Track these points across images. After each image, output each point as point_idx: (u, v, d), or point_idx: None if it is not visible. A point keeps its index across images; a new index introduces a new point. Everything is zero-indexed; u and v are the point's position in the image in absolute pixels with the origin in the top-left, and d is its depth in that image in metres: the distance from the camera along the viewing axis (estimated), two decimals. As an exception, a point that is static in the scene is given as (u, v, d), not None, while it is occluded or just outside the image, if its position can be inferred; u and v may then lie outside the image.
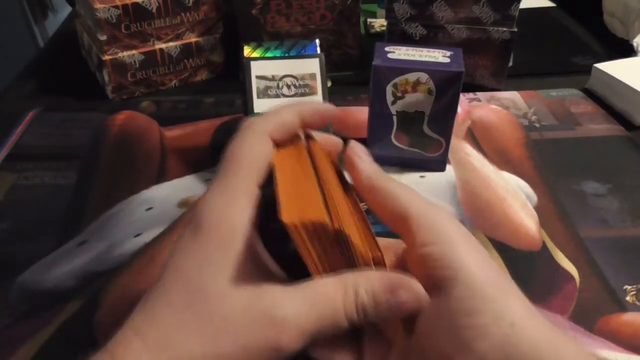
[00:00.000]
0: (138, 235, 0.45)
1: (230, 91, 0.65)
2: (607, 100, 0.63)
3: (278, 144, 0.29)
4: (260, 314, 0.24)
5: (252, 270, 0.25)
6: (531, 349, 0.23)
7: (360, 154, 0.30)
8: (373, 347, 0.28)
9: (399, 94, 0.48)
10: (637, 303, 0.40)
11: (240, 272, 0.24)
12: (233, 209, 0.26)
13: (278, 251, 0.28)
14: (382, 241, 0.28)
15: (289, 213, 0.24)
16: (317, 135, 0.32)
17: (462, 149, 0.55)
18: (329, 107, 0.31)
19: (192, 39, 0.66)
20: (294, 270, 0.27)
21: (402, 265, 0.29)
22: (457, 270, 0.25)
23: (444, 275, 0.25)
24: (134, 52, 0.63)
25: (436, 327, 0.25)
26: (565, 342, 0.24)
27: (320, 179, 0.28)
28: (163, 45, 0.64)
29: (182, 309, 0.24)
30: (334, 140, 0.33)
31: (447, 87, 0.47)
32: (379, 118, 0.49)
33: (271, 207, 0.26)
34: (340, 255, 0.25)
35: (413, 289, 0.25)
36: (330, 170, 0.30)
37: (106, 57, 0.61)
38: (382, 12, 0.77)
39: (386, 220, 0.28)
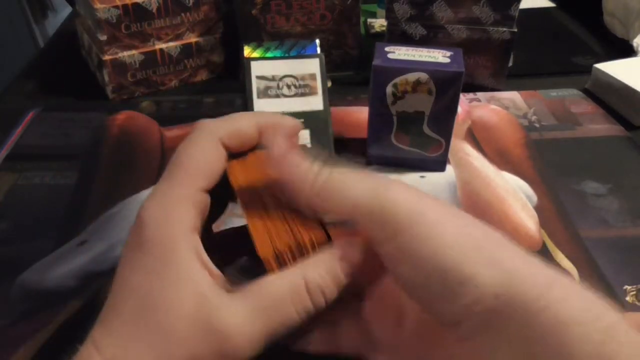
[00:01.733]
0: (138, 235, 0.45)
1: (230, 91, 0.65)
2: (607, 100, 0.63)
3: (232, 154, 0.28)
4: (204, 325, 0.23)
5: (196, 278, 0.24)
6: (524, 318, 0.21)
7: (277, 161, 0.27)
8: (381, 312, 0.28)
9: (399, 94, 0.48)
10: (637, 303, 0.40)
11: (183, 281, 0.24)
12: (173, 217, 0.25)
13: (222, 256, 0.28)
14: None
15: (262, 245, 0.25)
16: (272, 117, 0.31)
17: (462, 149, 0.55)
18: (292, 120, 0.30)
19: (192, 39, 0.66)
20: (241, 275, 0.27)
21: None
22: (423, 260, 0.23)
23: (411, 270, 0.23)
24: (134, 52, 0.63)
25: (433, 312, 0.24)
26: (573, 299, 0.22)
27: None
28: (163, 45, 0.64)
29: (133, 321, 0.24)
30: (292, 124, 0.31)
31: (447, 87, 0.47)
32: (379, 118, 0.49)
33: (216, 211, 0.27)
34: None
35: (354, 242, 0.25)
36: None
37: (106, 57, 0.61)
38: (382, 12, 0.77)
39: (346, 218, 0.26)
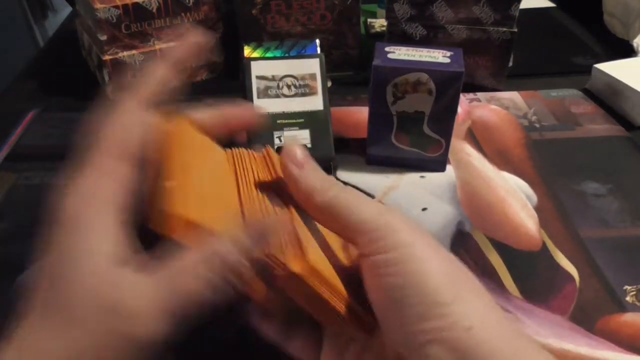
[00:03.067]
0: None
1: (230, 91, 0.64)
2: (607, 101, 0.63)
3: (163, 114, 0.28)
4: (110, 308, 0.22)
5: (95, 254, 0.23)
6: (490, 353, 0.23)
7: (296, 161, 0.27)
8: (332, 340, 0.28)
9: (399, 94, 0.48)
10: (637, 303, 0.40)
11: (95, 264, 0.23)
12: (89, 196, 0.24)
13: (149, 237, 0.26)
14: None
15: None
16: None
17: (462, 149, 0.55)
18: (194, 33, 0.29)
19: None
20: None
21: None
22: (412, 276, 0.24)
23: (396, 283, 0.24)
24: (134, 52, 0.63)
25: (392, 329, 0.25)
26: (528, 347, 0.24)
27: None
28: (163, 45, 0.64)
29: (48, 312, 0.23)
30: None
31: (447, 87, 0.47)
32: (379, 118, 0.49)
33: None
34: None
35: (272, 218, 0.25)
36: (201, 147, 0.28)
37: (106, 57, 0.61)
38: (382, 12, 0.77)
39: (337, 233, 0.27)
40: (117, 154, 0.25)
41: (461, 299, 0.24)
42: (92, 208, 0.24)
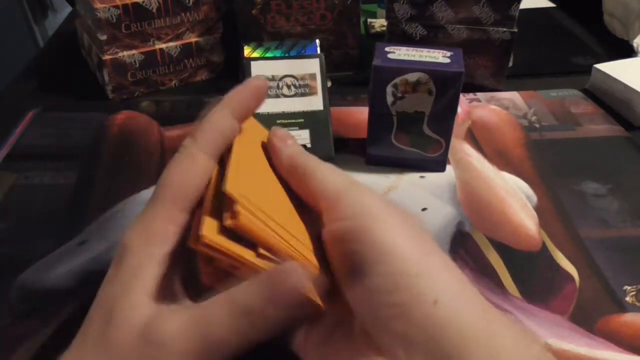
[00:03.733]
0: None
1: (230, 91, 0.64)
2: (607, 101, 0.63)
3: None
4: (147, 338, 0.23)
5: (160, 299, 0.25)
6: (459, 330, 0.22)
7: (283, 138, 0.29)
8: (316, 325, 0.28)
9: (399, 94, 0.48)
10: (637, 303, 0.40)
11: (143, 299, 0.24)
12: (148, 238, 0.25)
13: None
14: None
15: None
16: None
17: (462, 149, 0.55)
18: (255, 82, 0.30)
19: (192, 39, 0.66)
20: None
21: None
22: (375, 245, 0.23)
23: (362, 252, 0.24)
24: (134, 52, 0.63)
25: (356, 303, 0.24)
26: (500, 322, 0.23)
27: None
28: (163, 45, 0.64)
29: (94, 337, 0.24)
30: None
31: (447, 87, 0.47)
32: (379, 118, 0.49)
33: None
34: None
35: (295, 270, 0.24)
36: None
37: (106, 57, 0.61)
38: (382, 12, 0.78)
39: (307, 199, 0.28)
40: (181, 204, 0.26)
41: (428, 271, 0.23)
42: (144, 246, 0.25)
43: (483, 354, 0.22)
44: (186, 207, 0.26)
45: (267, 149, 0.30)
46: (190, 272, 0.27)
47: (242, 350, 0.24)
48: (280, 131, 0.30)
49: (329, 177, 0.27)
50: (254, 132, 0.31)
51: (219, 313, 0.24)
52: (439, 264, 0.24)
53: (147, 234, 0.25)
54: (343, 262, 0.25)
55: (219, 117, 0.28)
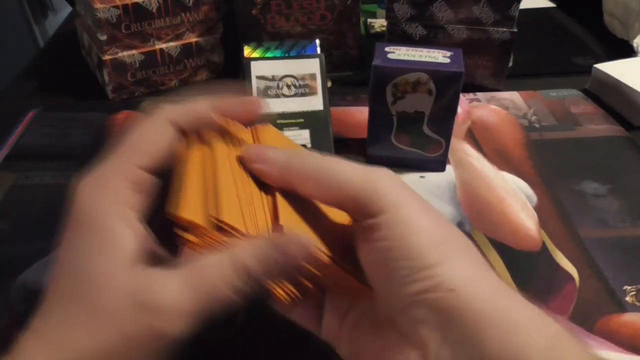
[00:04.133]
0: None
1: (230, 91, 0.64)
2: (607, 101, 0.63)
3: (187, 136, 0.28)
4: (135, 299, 0.23)
5: (126, 250, 0.24)
6: (475, 314, 0.23)
7: (257, 159, 0.28)
8: (332, 308, 0.28)
9: (399, 94, 0.48)
10: (637, 303, 0.40)
11: (121, 260, 0.24)
12: (104, 191, 0.25)
13: (168, 235, 0.27)
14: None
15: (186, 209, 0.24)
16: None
17: (462, 149, 0.55)
18: (252, 99, 0.30)
19: (192, 39, 0.65)
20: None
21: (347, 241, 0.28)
22: (396, 239, 0.24)
23: (384, 246, 0.24)
24: (134, 52, 0.63)
25: (382, 292, 0.25)
26: (520, 305, 0.23)
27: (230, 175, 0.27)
28: (163, 45, 0.64)
29: (70, 303, 0.23)
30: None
31: (447, 87, 0.47)
32: (379, 118, 0.49)
33: (161, 194, 0.26)
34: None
35: (298, 239, 0.25)
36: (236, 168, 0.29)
37: (106, 57, 0.61)
38: (382, 12, 0.77)
39: (322, 199, 0.28)
40: (140, 162, 0.26)
41: (448, 259, 0.24)
42: (113, 207, 0.25)
43: (499, 334, 0.22)
44: (146, 165, 0.26)
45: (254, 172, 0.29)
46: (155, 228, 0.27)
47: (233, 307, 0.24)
48: (251, 153, 0.28)
49: (346, 172, 0.26)
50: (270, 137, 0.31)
51: (221, 274, 0.24)
52: (459, 250, 0.25)
53: (105, 191, 0.25)
54: (369, 255, 0.26)
55: (199, 101, 0.29)
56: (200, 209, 0.25)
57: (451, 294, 0.23)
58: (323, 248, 0.26)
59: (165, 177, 0.27)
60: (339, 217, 0.28)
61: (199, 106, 0.29)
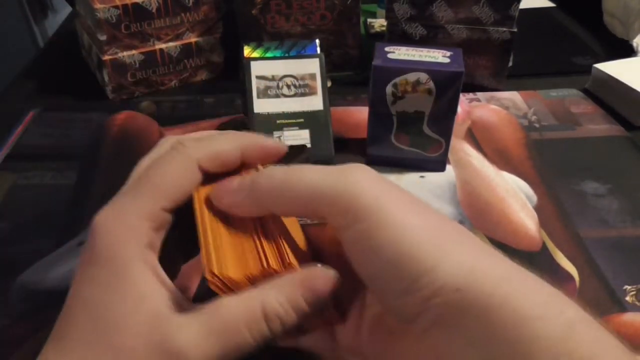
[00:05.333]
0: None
1: (230, 91, 0.64)
2: (607, 100, 0.63)
3: (208, 176, 0.27)
4: (159, 345, 0.23)
5: (152, 296, 0.24)
6: (485, 313, 0.21)
7: (225, 192, 0.26)
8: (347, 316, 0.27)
9: (399, 94, 0.48)
10: (637, 303, 0.40)
11: (138, 298, 0.23)
12: (129, 231, 0.24)
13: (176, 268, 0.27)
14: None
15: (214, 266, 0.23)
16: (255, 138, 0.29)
17: (462, 149, 0.55)
18: (277, 143, 0.29)
19: (192, 39, 0.65)
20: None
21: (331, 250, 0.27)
22: (383, 248, 0.22)
23: (374, 257, 0.23)
24: (134, 52, 0.63)
25: (390, 306, 0.24)
26: (530, 294, 0.21)
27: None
28: (163, 45, 0.64)
29: (86, 338, 0.23)
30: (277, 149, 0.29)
31: (447, 87, 0.47)
32: (379, 118, 0.49)
33: (183, 237, 0.26)
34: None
35: (325, 273, 0.24)
36: None
37: (106, 57, 0.61)
38: (382, 12, 0.77)
39: (300, 214, 0.26)
40: (164, 203, 0.25)
41: (445, 256, 0.22)
42: (136, 249, 0.24)
43: (507, 329, 0.21)
44: (167, 207, 0.25)
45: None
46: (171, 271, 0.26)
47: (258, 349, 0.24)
48: (218, 190, 0.27)
49: (317, 179, 0.24)
50: None
51: (243, 318, 0.23)
52: (455, 240, 0.23)
53: (128, 230, 0.24)
54: (361, 265, 0.24)
55: (226, 140, 0.27)
56: (234, 263, 0.25)
57: (457, 294, 0.21)
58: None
59: (178, 214, 0.26)
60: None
61: (227, 149, 0.27)
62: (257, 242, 0.25)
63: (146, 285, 0.24)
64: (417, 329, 0.23)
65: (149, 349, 0.22)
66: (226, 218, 0.26)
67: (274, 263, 0.25)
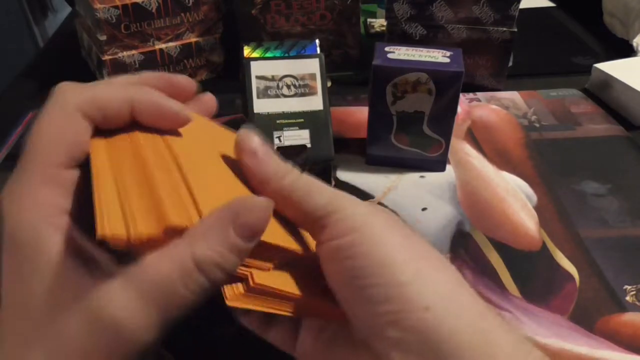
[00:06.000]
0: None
1: (230, 91, 0.64)
2: (607, 101, 0.63)
3: (100, 128, 0.25)
4: (93, 322, 0.21)
5: (73, 268, 0.22)
6: (451, 334, 0.22)
7: (252, 151, 0.25)
8: (307, 328, 0.27)
9: (399, 94, 0.48)
10: (637, 303, 0.40)
11: (57, 279, 0.22)
12: (30, 201, 0.23)
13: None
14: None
15: (105, 226, 0.21)
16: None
17: (462, 149, 0.55)
18: (185, 79, 0.28)
19: (192, 39, 0.65)
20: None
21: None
22: (367, 259, 0.23)
23: (352, 266, 0.23)
24: (134, 52, 0.63)
25: (354, 314, 0.24)
26: (498, 326, 0.23)
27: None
28: (163, 46, 0.64)
29: (25, 331, 0.22)
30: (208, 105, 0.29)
31: (447, 87, 0.47)
32: (379, 118, 0.49)
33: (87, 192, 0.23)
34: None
35: (257, 203, 0.23)
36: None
37: (106, 57, 0.61)
38: (382, 12, 0.78)
39: (293, 221, 0.26)
40: (56, 160, 0.24)
41: (420, 276, 0.23)
42: (42, 219, 0.23)
43: (478, 358, 0.22)
44: (64, 163, 0.24)
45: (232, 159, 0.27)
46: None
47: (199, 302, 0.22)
48: (247, 140, 0.25)
49: (315, 198, 0.25)
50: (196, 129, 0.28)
51: (175, 275, 0.21)
52: (431, 268, 0.24)
53: (28, 201, 0.23)
54: (338, 275, 0.24)
55: (111, 90, 0.25)
56: (146, 216, 0.22)
57: (426, 314, 0.22)
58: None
59: (87, 167, 0.24)
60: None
61: (108, 96, 0.25)
62: (178, 187, 0.23)
63: (60, 261, 0.22)
64: (380, 345, 0.23)
65: (82, 324, 0.21)
66: (141, 164, 0.24)
67: (195, 209, 0.22)
